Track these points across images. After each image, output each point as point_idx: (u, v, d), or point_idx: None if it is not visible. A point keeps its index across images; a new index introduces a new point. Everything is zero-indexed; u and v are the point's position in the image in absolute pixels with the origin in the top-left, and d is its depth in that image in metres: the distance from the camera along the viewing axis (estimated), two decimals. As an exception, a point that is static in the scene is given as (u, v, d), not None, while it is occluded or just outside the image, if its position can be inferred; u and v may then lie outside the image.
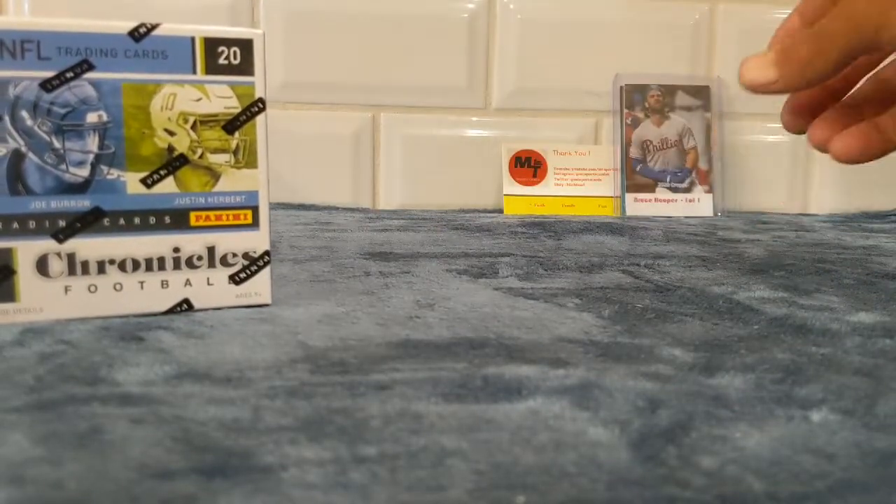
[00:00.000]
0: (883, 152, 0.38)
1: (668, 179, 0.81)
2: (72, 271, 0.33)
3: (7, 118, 0.32)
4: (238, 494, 0.19)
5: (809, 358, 0.30)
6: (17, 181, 0.32)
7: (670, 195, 0.81)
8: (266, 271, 0.36)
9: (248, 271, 0.36)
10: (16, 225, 0.32)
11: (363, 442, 0.22)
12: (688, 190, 0.81)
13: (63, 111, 0.32)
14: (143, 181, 0.34)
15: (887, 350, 0.32)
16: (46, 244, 0.33)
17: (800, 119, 0.42)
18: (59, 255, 0.33)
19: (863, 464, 0.22)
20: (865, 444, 0.23)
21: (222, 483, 0.20)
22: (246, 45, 0.35)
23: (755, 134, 0.85)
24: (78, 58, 0.32)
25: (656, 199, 0.81)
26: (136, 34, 0.33)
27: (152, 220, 0.34)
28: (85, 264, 0.33)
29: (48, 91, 0.32)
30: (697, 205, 0.81)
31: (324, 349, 0.31)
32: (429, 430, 0.23)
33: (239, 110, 0.35)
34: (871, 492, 0.20)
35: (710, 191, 0.81)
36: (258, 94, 0.35)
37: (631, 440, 0.23)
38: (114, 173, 0.33)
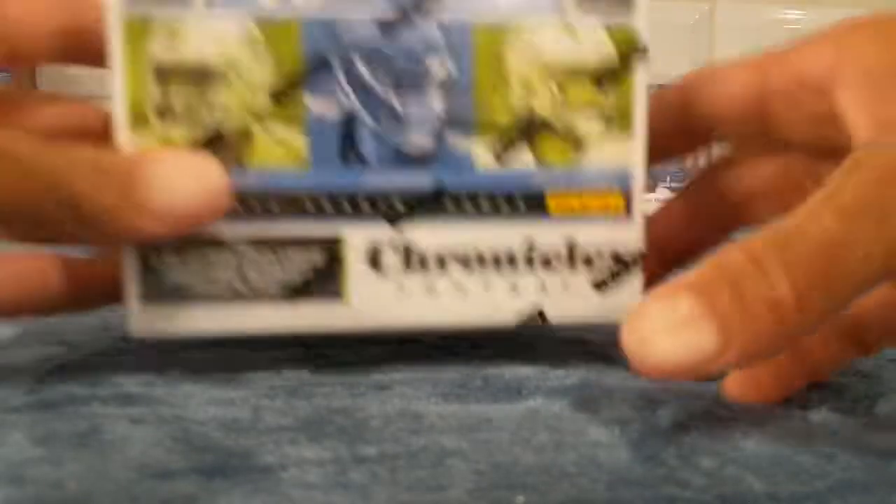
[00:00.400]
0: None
1: (667, 179, 0.81)
2: (408, 266, 0.27)
3: (340, 70, 0.26)
4: (238, 494, 0.19)
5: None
6: (348, 150, 0.26)
7: (670, 195, 0.81)
8: (638, 276, 0.28)
9: (615, 276, 0.28)
10: (346, 205, 0.26)
11: (363, 442, 0.22)
12: (688, 190, 0.81)
13: (404, 61, 0.26)
14: (494, 152, 0.27)
15: (887, 350, 0.32)
16: (380, 231, 0.27)
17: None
18: (393, 244, 0.27)
19: (862, 464, 0.22)
20: (865, 443, 0.23)
21: (222, 483, 0.20)
22: None
23: (755, 134, 0.85)
24: None
25: (656, 199, 0.81)
26: None
27: (502, 203, 0.27)
28: (423, 258, 0.27)
29: (388, 35, 0.26)
30: (697, 204, 0.81)
31: (324, 349, 0.31)
32: (429, 430, 0.23)
33: (616, 59, 0.27)
34: (871, 492, 0.20)
35: (709, 190, 0.81)
36: (640, 37, 0.27)
37: (631, 440, 0.23)
38: (460, 142, 0.27)
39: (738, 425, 0.24)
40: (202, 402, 0.25)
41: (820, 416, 0.25)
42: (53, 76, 0.72)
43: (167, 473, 0.20)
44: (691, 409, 0.25)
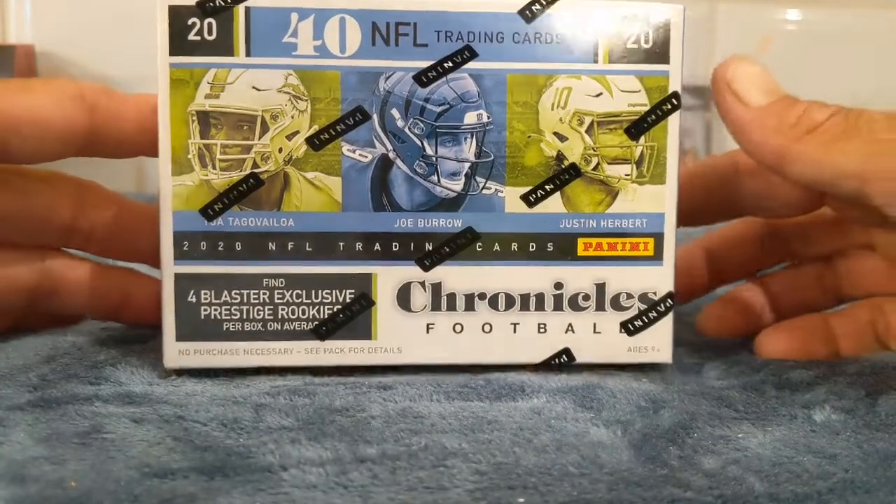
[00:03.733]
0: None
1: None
2: (436, 306, 0.28)
3: (376, 117, 0.27)
4: (238, 494, 0.19)
5: (812, 357, 0.30)
6: (381, 194, 0.27)
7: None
8: (668, 319, 0.28)
9: (644, 318, 0.28)
10: (378, 246, 0.27)
11: (364, 442, 0.22)
12: (688, 190, 0.81)
13: (438, 110, 0.27)
14: (525, 197, 0.28)
15: (888, 352, 0.32)
16: (410, 271, 0.27)
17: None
18: (423, 284, 0.27)
19: (864, 464, 0.22)
20: (867, 444, 0.23)
21: (223, 482, 0.20)
22: (661, 25, 0.27)
23: (755, 134, 0.85)
24: (459, 44, 0.27)
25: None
26: (529, 13, 0.27)
27: (532, 246, 0.28)
28: (451, 298, 0.28)
29: (423, 85, 0.27)
30: (698, 205, 0.81)
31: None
32: (430, 430, 0.23)
33: (647, 108, 0.28)
34: (873, 492, 0.20)
35: (710, 191, 0.81)
36: (673, 86, 0.28)
37: (633, 441, 0.23)
38: (491, 187, 0.27)
39: (739, 426, 0.24)
40: (203, 401, 0.25)
41: (821, 416, 0.25)
42: (53, 77, 0.72)
43: (168, 473, 0.20)
44: (693, 409, 0.25)
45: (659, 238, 0.28)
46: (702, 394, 0.26)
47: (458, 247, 0.28)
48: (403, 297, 0.28)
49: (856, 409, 0.25)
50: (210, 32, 0.26)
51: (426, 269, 0.28)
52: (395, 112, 0.27)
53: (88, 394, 0.25)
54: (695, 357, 0.30)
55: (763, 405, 0.26)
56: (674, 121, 0.28)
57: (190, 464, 0.21)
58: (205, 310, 0.27)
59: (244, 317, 0.27)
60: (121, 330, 0.32)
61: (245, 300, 0.27)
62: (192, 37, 0.26)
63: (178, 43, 0.26)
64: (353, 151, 0.27)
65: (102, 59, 0.73)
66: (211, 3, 0.26)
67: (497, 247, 0.28)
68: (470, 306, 0.28)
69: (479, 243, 0.28)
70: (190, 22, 0.26)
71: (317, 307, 0.27)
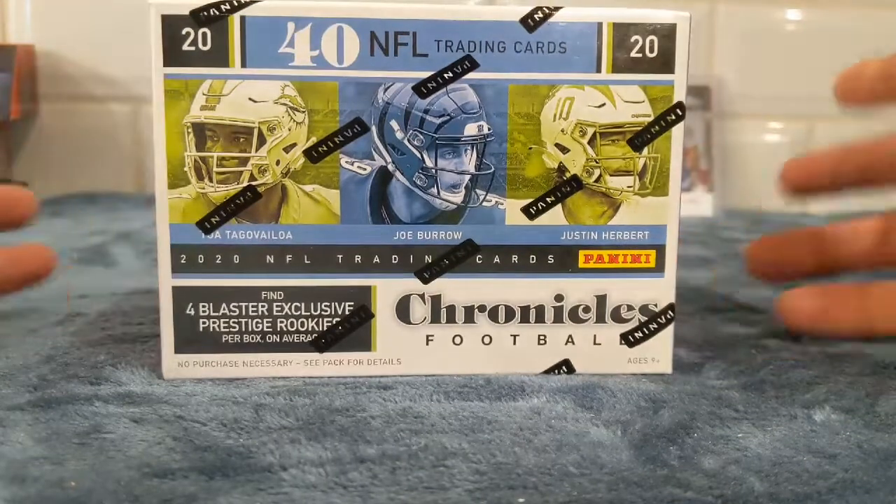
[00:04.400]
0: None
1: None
2: (435, 318, 0.28)
3: (375, 129, 0.27)
4: (238, 494, 0.19)
5: (811, 357, 0.30)
6: (380, 206, 0.27)
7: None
8: (668, 331, 0.28)
9: (645, 329, 0.28)
10: (377, 259, 0.27)
11: (364, 442, 0.22)
12: (688, 190, 0.81)
13: (438, 121, 0.27)
14: (526, 210, 0.27)
15: (888, 348, 0.32)
16: (409, 283, 0.27)
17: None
18: (422, 297, 0.27)
19: (864, 464, 0.22)
20: (867, 444, 0.23)
21: (223, 482, 0.20)
22: (666, 33, 0.27)
23: (755, 134, 0.85)
24: (459, 54, 0.26)
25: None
26: (531, 22, 0.26)
27: (533, 258, 0.28)
28: (451, 310, 0.28)
29: (423, 96, 0.27)
30: (697, 205, 0.81)
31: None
32: (430, 430, 0.23)
33: (651, 119, 0.27)
34: (873, 492, 0.20)
35: (710, 191, 0.81)
36: (677, 96, 0.27)
37: (633, 441, 0.23)
38: (491, 199, 0.27)
39: (739, 426, 0.24)
40: (203, 401, 0.25)
41: (822, 415, 0.25)
42: (53, 77, 0.72)
43: (168, 472, 0.20)
44: (693, 409, 0.25)
45: (661, 250, 0.28)
46: (702, 394, 0.26)
47: (458, 259, 0.27)
48: (403, 310, 0.27)
49: (856, 409, 0.25)
50: (205, 42, 0.26)
51: (426, 281, 0.27)
52: (394, 123, 0.27)
53: (88, 394, 0.25)
54: (695, 357, 0.30)
55: (763, 405, 0.26)
56: (677, 132, 0.27)
57: (190, 464, 0.21)
58: (203, 322, 0.27)
59: (243, 329, 0.27)
60: (121, 330, 0.32)
61: (244, 313, 0.27)
62: (186, 47, 0.26)
63: (173, 53, 0.26)
64: (352, 163, 0.27)
65: (102, 59, 0.73)
66: (205, 13, 0.26)
67: (497, 259, 0.28)
68: (469, 318, 0.28)
69: (479, 255, 0.28)
70: (184, 32, 0.26)
71: (316, 319, 0.27)
